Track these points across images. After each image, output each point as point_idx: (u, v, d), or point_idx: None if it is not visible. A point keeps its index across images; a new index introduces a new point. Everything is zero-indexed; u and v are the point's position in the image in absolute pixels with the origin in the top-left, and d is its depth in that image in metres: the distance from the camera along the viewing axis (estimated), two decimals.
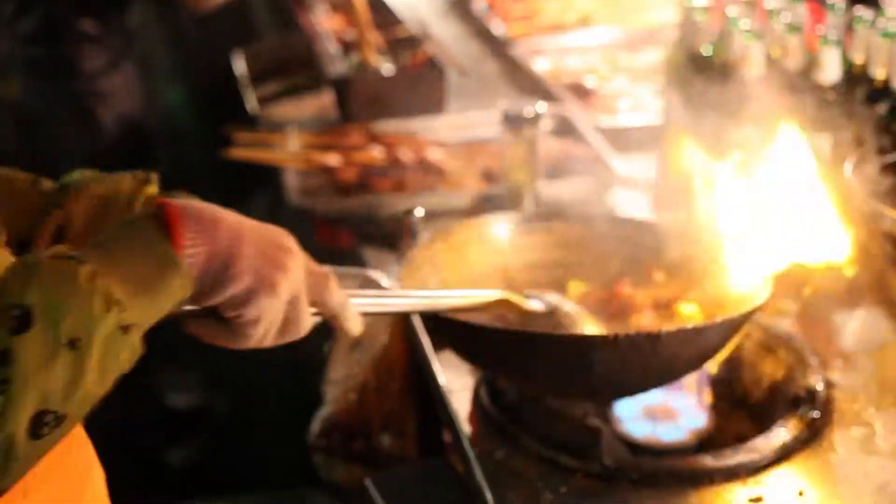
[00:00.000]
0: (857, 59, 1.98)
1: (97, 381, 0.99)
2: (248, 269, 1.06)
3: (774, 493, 1.38)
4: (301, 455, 1.93)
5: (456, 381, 1.62)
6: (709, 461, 1.42)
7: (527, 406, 1.51)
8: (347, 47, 2.93)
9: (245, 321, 1.07)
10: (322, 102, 2.84)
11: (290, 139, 2.55)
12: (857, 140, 1.94)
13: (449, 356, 1.62)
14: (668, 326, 1.47)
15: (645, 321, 1.55)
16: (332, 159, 2.42)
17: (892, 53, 1.93)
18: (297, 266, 1.10)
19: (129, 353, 1.01)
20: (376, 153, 2.43)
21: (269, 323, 1.09)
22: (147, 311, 1.02)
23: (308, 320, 1.13)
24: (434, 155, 2.41)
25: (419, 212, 1.74)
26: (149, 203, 1.30)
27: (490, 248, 1.67)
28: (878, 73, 1.95)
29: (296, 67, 3.07)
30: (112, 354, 1.00)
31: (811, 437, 1.47)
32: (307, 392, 1.99)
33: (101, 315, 0.98)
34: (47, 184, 1.37)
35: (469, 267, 1.64)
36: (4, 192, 1.37)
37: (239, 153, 2.51)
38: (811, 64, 2.01)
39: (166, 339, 1.14)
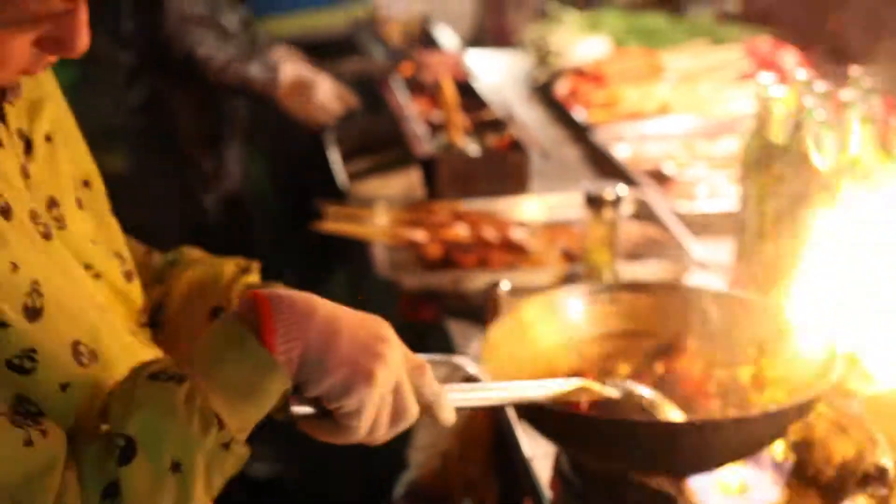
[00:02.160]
0: None
1: (204, 494, 1.05)
2: (345, 361, 1.07)
3: None
4: None
5: (537, 449, 1.69)
6: None
7: (606, 475, 1.57)
8: (434, 128, 3.04)
9: (347, 412, 1.08)
10: (409, 180, 2.95)
11: (379, 214, 2.65)
12: None
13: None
14: (749, 410, 1.54)
15: (713, 398, 1.61)
16: (419, 235, 2.51)
17: None
18: (395, 355, 1.11)
19: (233, 461, 1.06)
20: (461, 230, 2.52)
21: (372, 413, 1.09)
22: (248, 418, 1.06)
23: (415, 406, 1.13)
24: (517, 234, 2.49)
25: (505, 286, 1.82)
26: (245, 293, 1.33)
27: (562, 322, 1.71)
28: None
29: (384, 146, 3.19)
30: (216, 469, 1.05)
31: None
32: (392, 455, 2.06)
33: (201, 436, 1.03)
34: (157, 257, 1.47)
35: (543, 341, 1.68)
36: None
37: (329, 226, 2.61)
38: (885, 155, 2.08)
39: None
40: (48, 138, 1.23)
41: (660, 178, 2.82)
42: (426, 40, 4.06)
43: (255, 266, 1.43)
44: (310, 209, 2.73)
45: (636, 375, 1.66)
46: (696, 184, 2.76)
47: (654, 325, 1.71)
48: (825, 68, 3.45)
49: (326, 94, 3.19)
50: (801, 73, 2.39)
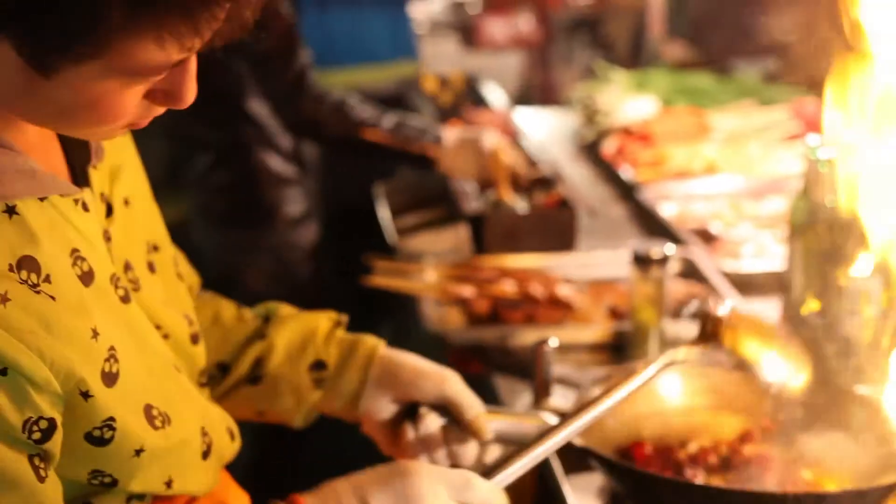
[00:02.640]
0: None
1: None
2: None
3: None
4: None
5: (582, 496, 1.71)
6: None
7: None
8: (483, 185, 3.08)
9: None
10: (457, 236, 2.98)
11: (427, 270, 2.68)
12: None
13: (577, 480, 1.71)
14: (831, 488, 1.59)
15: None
16: (467, 291, 2.54)
17: None
18: (432, 499, 1.17)
19: None
20: (508, 287, 2.55)
21: None
22: None
23: None
24: (563, 291, 2.52)
25: (553, 342, 1.84)
26: (339, 344, 1.45)
27: (651, 391, 1.76)
28: None
29: (432, 201, 3.22)
30: None
31: None
32: None
33: None
34: (248, 314, 1.52)
35: (632, 408, 1.74)
36: (212, 319, 1.51)
37: (379, 281, 2.65)
38: None
39: None
40: (126, 202, 1.26)
41: (706, 237, 2.83)
42: (474, 98, 4.11)
43: (345, 320, 1.50)
44: (359, 263, 2.76)
45: (708, 450, 1.69)
46: (742, 243, 2.78)
47: (738, 406, 1.76)
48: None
49: (494, 146, 3.03)
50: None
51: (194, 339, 1.32)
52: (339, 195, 3.79)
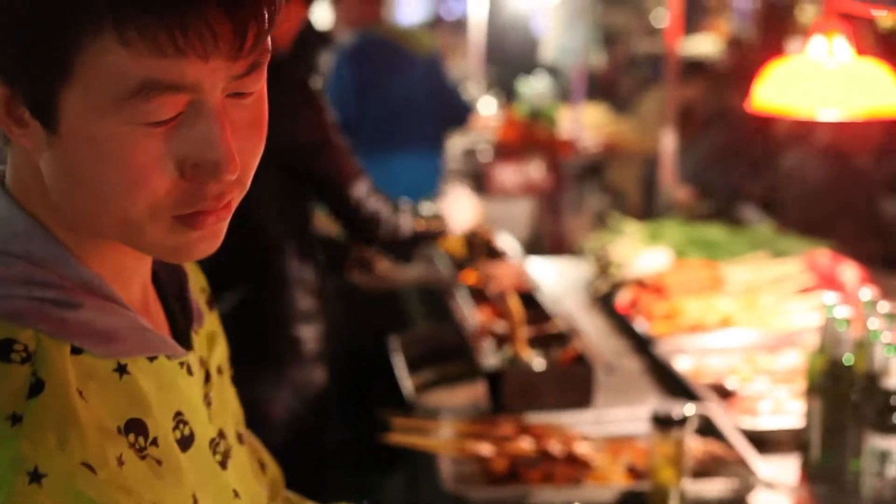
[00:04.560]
0: None
1: None
2: None
3: None
4: None
5: None
6: None
7: None
8: (499, 339, 3.10)
9: None
10: (474, 391, 2.98)
11: (444, 427, 2.68)
12: None
13: None
14: None
15: None
16: (485, 449, 2.54)
17: None
18: None
19: None
20: (526, 445, 2.54)
21: None
22: None
23: None
24: (581, 448, 2.51)
25: None
26: None
27: None
28: None
29: (448, 355, 3.23)
30: None
31: None
32: None
33: None
34: None
35: None
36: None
37: (396, 438, 2.65)
38: None
39: None
40: (220, 371, 1.28)
41: (722, 392, 2.84)
42: (488, 250, 4.15)
43: None
44: (374, 418, 2.77)
45: None
46: (758, 399, 2.78)
47: None
48: (885, 279, 3.50)
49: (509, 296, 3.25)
50: (865, 293, 2.44)
51: None
52: (353, 342, 3.81)
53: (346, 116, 5.22)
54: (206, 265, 3.48)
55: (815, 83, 2.92)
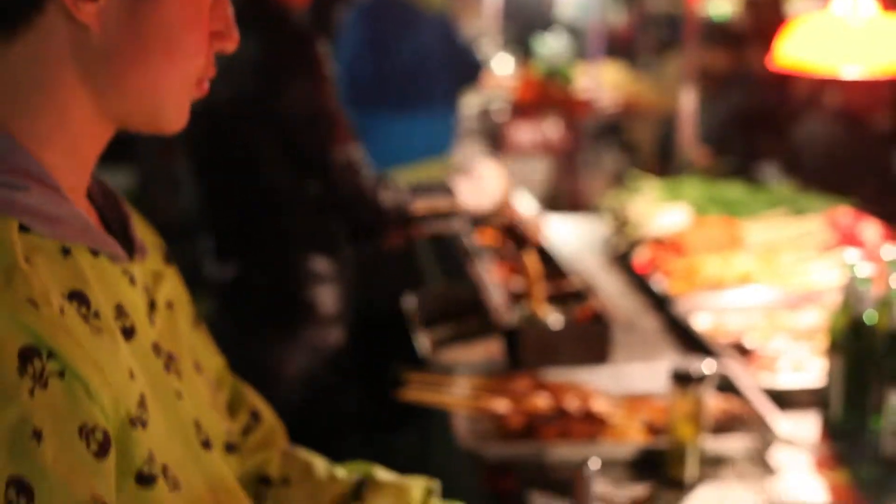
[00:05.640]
0: None
1: None
2: None
3: None
4: None
5: None
6: None
7: None
8: (516, 297, 3.07)
9: None
10: (490, 348, 2.96)
11: (460, 383, 2.66)
12: None
13: None
14: None
15: None
16: (501, 405, 2.52)
17: None
18: None
19: None
20: (542, 401, 2.52)
21: None
22: None
23: None
24: (599, 405, 2.49)
25: (595, 463, 1.81)
26: None
27: None
28: None
29: (464, 313, 3.21)
30: None
31: None
32: None
33: None
34: (341, 472, 1.51)
35: None
36: (302, 472, 1.50)
37: (411, 395, 2.63)
38: None
39: None
40: (170, 305, 1.27)
41: (741, 350, 2.81)
42: (507, 207, 4.11)
43: (436, 486, 1.49)
44: (388, 371, 2.75)
45: None
46: (778, 357, 2.75)
47: None
48: None
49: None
50: (887, 251, 2.41)
51: (229, 448, 1.31)
52: (368, 301, 3.80)
53: (361, 74, 5.20)
54: (220, 228, 3.51)
55: (839, 39, 2.88)
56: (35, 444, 0.96)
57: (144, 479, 1.06)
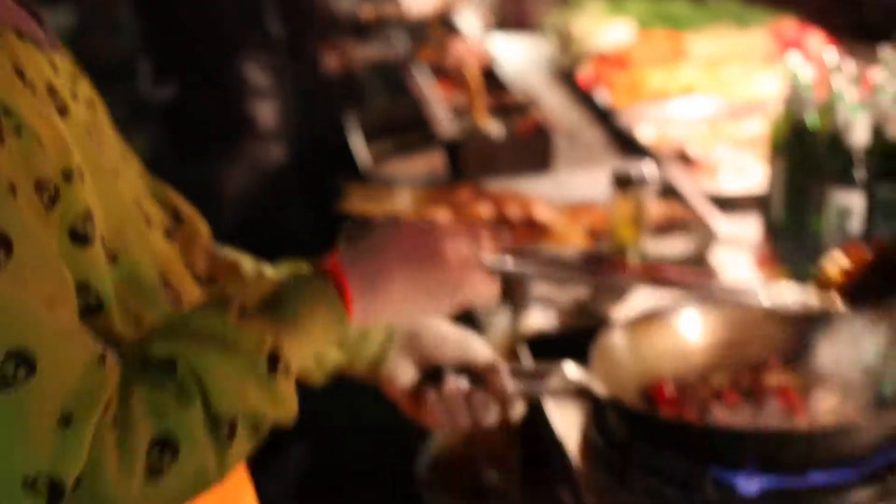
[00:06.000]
0: None
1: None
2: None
3: None
4: (408, 490, 1.99)
5: (565, 418, 1.68)
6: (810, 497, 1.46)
7: (633, 442, 1.56)
8: (458, 110, 3.03)
9: None
10: (432, 161, 2.93)
11: (402, 194, 2.64)
12: None
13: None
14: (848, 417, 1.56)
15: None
16: (442, 215, 2.50)
17: None
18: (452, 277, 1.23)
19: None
20: (484, 210, 2.51)
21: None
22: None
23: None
24: (540, 213, 2.48)
25: (533, 265, 1.80)
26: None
27: (669, 330, 1.73)
28: None
29: (406, 128, 3.18)
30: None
31: None
32: (414, 428, 2.05)
33: (271, 410, 1.08)
34: (269, 271, 1.47)
35: (650, 349, 1.71)
36: (231, 273, 1.46)
37: (352, 206, 2.61)
38: None
39: None
40: (90, 104, 1.22)
41: (684, 159, 2.80)
42: (448, 25, 4.05)
43: None
44: (330, 187, 2.72)
45: (731, 385, 1.67)
46: (720, 165, 2.74)
47: (755, 339, 1.72)
48: (852, 48, 3.43)
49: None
50: (829, 54, 2.38)
51: (167, 234, 1.28)
52: (311, 119, 3.75)
53: None
54: (159, 50, 3.44)
55: None
56: (11, 197, 0.95)
57: (79, 238, 1.03)
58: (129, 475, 0.97)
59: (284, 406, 1.10)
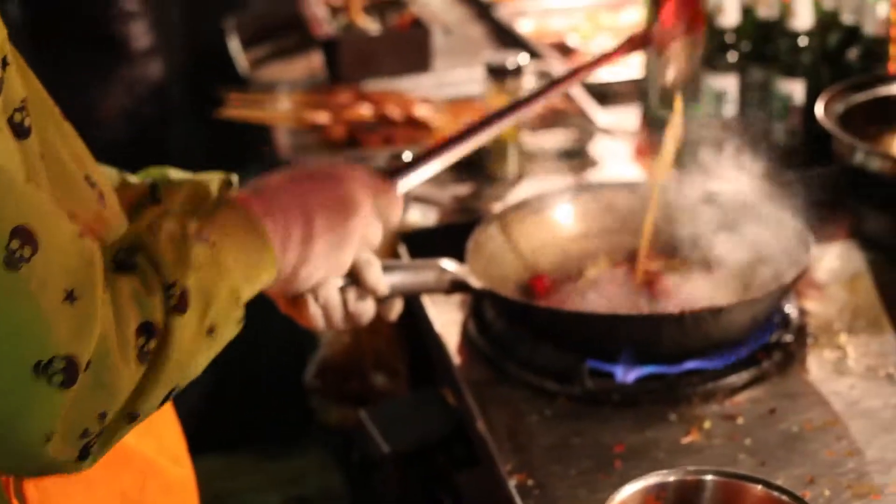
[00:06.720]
0: (828, 6, 2.07)
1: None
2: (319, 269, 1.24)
3: (748, 411, 1.45)
4: (297, 399, 1.99)
5: (444, 316, 1.68)
6: (686, 383, 1.49)
7: (512, 336, 1.57)
8: (334, 10, 2.98)
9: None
10: (311, 63, 2.89)
11: (281, 99, 2.61)
12: (828, 83, 2.01)
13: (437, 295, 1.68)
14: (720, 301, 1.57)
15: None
16: (322, 117, 2.47)
17: (860, 1, 2.01)
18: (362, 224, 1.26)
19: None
20: (364, 110, 2.48)
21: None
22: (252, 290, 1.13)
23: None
24: (421, 111, 2.46)
25: (407, 156, 1.80)
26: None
27: (544, 221, 1.75)
28: (848, 20, 2.04)
29: (285, 31, 3.12)
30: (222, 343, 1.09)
31: (785, 360, 1.54)
32: (302, 336, 2.05)
33: (231, 306, 1.08)
34: (133, 178, 1.43)
35: (526, 240, 1.72)
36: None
37: (231, 113, 2.57)
38: (785, 12, 2.08)
39: None
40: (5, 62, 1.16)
41: (564, 50, 2.79)
42: None
43: (235, 179, 1.43)
44: (211, 97, 2.67)
45: (607, 274, 1.68)
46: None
47: (630, 223, 1.73)
48: None
49: None
50: None
51: (101, 199, 1.24)
52: (188, 30, 3.67)
53: None
54: None
55: None
56: None
57: (19, 130, 0.98)
58: (126, 360, 0.97)
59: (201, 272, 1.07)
